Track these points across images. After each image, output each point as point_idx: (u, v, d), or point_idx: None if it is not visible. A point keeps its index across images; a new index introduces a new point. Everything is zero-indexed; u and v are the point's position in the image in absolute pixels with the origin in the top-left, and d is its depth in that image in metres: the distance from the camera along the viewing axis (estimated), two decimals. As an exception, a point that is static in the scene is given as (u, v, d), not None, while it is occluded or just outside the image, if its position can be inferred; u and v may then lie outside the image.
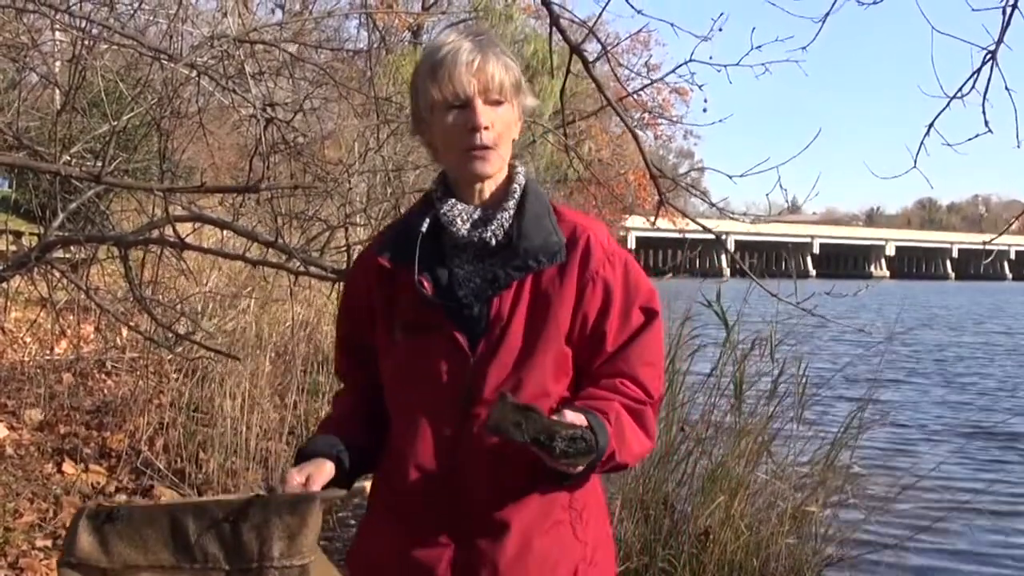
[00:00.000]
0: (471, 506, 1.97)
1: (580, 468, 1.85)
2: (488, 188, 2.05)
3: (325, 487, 1.95)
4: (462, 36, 2.00)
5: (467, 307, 2.01)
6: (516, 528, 1.97)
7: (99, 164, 4.26)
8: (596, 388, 2.00)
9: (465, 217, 2.03)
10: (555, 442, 1.78)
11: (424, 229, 2.05)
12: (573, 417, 1.84)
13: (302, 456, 2.03)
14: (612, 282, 2.03)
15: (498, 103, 1.98)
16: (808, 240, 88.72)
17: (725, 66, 4.38)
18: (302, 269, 4.83)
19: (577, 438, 1.79)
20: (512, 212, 2.03)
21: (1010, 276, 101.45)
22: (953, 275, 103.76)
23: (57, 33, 5.75)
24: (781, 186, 4.32)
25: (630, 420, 1.98)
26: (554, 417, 1.83)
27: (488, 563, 1.96)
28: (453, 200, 2.05)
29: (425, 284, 2.01)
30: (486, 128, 1.97)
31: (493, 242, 2.02)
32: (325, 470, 1.97)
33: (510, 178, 2.08)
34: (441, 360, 1.99)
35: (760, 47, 4.23)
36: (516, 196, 2.05)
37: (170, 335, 5.12)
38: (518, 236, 2.01)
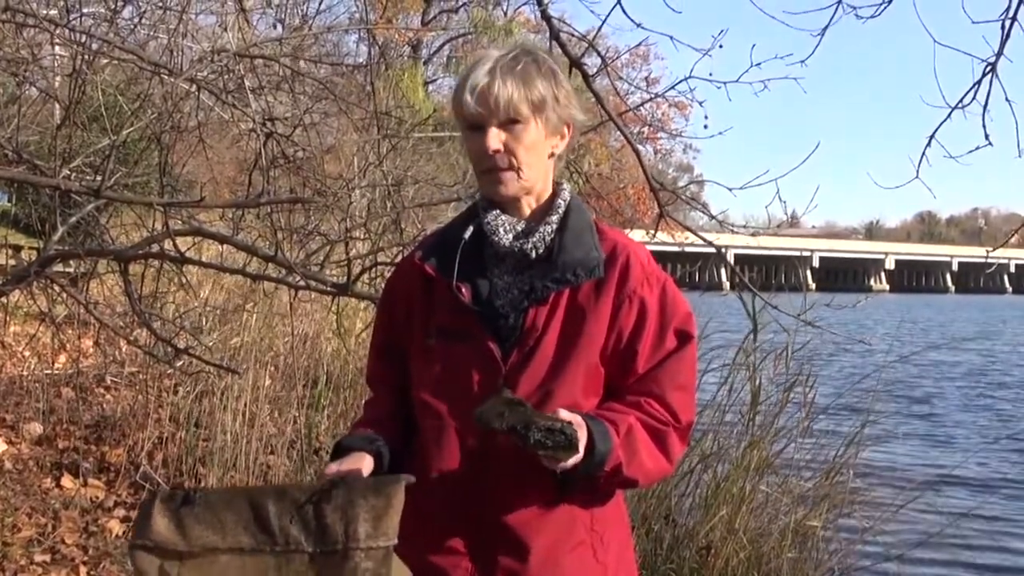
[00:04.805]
0: (492, 517, 1.98)
1: (565, 465, 1.84)
2: (530, 204, 2.07)
3: None
4: (484, 59, 2.01)
5: (503, 317, 2.02)
6: (538, 545, 1.97)
7: (99, 178, 4.26)
8: (618, 403, 2.00)
9: (508, 227, 2.05)
10: (530, 432, 1.78)
11: (467, 237, 2.06)
12: (566, 416, 1.84)
13: (340, 450, 2.02)
14: (649, 302, 2.03)
15: (513, 123, 1.99)
16: (808, 254, 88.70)
17: (724, 83, 4.40)
18: (302, 283, 4.82)
19: (556, 431, 1.79)
20: (555, 226, 2.05)
21: (1010, 289, 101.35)
22: (953, 288, 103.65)
23: (57, 48, 5.76)
24: (780, 198, 4.34)
25: (646, 437, 1.97)
26: (545, 413, 1.83)
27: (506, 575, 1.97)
28: (497, 211, 2.07)
29: (463, 291, 2.02)
30: (497, 151, 1.98)
31: (534, 254, 2.03)
32: (365, 464, 1.96)
33: (555, 194, 2.10)
34: (473, 368, 1.99)
35: (759, 64, 4.24)
36: (560, 211, 2.06)
37: (170, 349, 5.11)
38: (559, 250, 2.02)
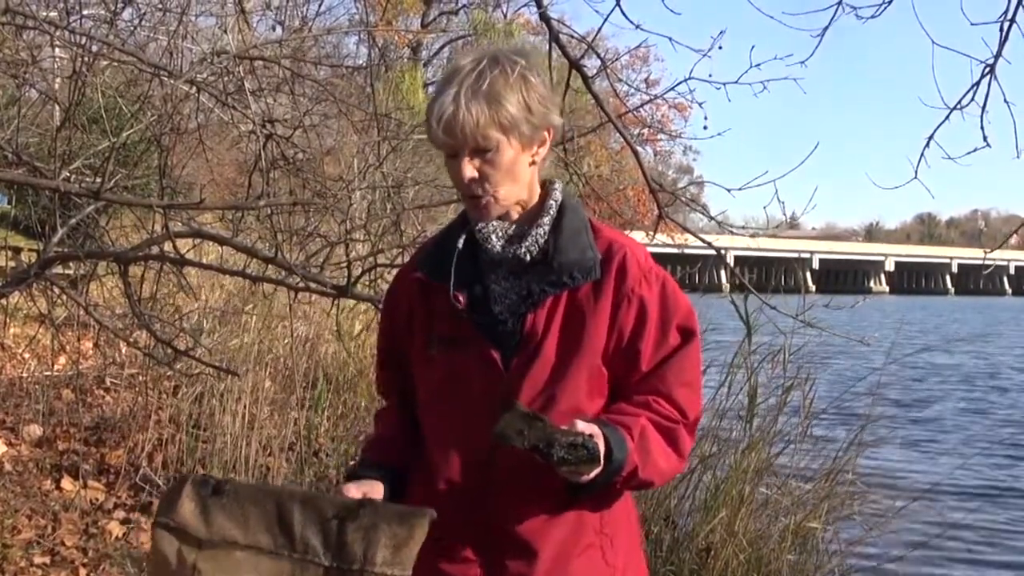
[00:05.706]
0: (501, 523, 1.98)
1: (587, 477, 1.84)
2: (519, 209, 2.05)
3: None
4: (451, 79, 1.95)
5: (501, 322, 2.00)
6: (546, 549, 1.97)
7: (99, 180, 4.26)
8: (626, 404, 1.99)
9: (500, 234, 2.03)
10: (553, 449, 1.78)
11: (460, 245, 2.05)
12: (584, 427, 1.83)
13: (354, 478, 2.04)
14: (648, 300, 2.01)
15: (484, 150, 1.95)
16: (807, 255, 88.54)
17: (724, 84, 4.38)
18: (302, 285, 4.82)
19: (578, 445, 1.79)
20: (547, 228, 2.03)
21: (1009, 291, 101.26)
22: (953, 290, 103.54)
23: (57, 50, 5.76)
24: (779, 199, 4.32)
25: (658, 437, 1.96)
26: (563, 427, 1.83)
27: None
28: None
29: (460, 299, 2.01)
30: (472, 179, 1.96)
31: (527, 258, 2.01)
32: (378, 490, 1.98)
33: (545, 194, 2.07)
34: (474, 376, 1.99)
35: (759, 65, 4.23)
36: (552, 212, 2.04)
37: (169, 351, 5.11)
38: (554, 251, 2.00)
